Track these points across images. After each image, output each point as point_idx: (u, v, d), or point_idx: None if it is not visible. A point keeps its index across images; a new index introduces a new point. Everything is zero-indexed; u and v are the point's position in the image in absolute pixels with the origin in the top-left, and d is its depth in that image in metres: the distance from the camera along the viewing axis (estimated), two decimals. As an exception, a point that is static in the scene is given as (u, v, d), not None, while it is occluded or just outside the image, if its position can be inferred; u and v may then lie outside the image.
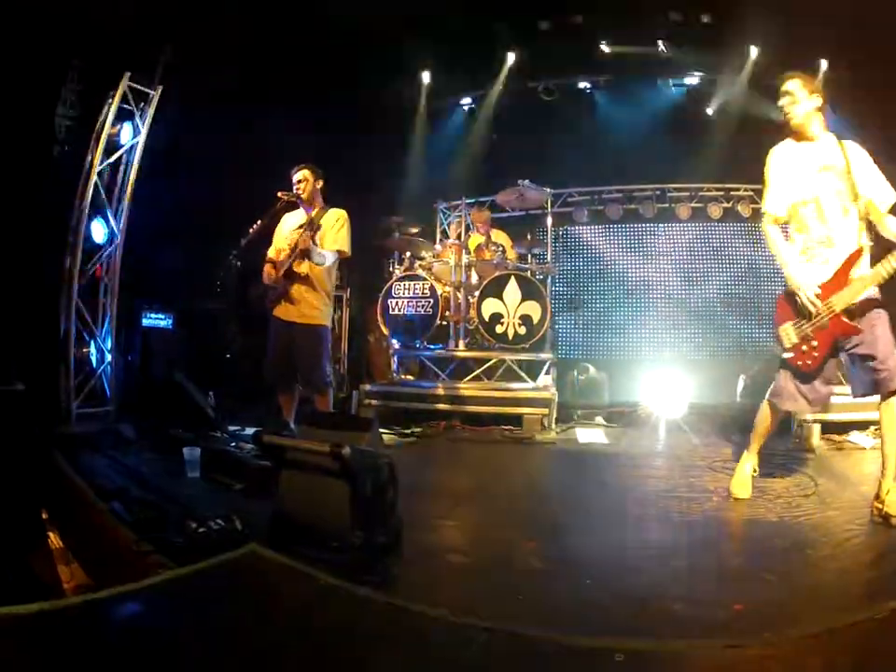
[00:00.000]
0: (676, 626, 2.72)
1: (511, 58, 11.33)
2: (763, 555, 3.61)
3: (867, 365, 4.18)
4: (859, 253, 4.20)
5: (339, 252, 6.01)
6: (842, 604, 2.84)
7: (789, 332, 4.43)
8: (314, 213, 6.06)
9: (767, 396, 4.74)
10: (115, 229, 7.29)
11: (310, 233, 5.83)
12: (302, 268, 5.90)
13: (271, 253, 6.15)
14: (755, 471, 4.91)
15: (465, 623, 2.51)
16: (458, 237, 9.68)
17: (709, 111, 11.28)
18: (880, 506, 4.08)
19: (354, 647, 2.41)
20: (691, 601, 2.94)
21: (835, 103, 10.27)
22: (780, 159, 4.56)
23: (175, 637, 2.38)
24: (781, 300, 4.57)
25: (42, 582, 3.29)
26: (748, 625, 2.67)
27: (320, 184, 6.12)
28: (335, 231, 5.99)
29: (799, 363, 4.41)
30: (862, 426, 6.91)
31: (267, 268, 6.09)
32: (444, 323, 9.03)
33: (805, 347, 4.35)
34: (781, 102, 4.46)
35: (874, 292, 4.24)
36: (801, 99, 4.38)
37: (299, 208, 6.16)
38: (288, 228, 6.11)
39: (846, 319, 4.17)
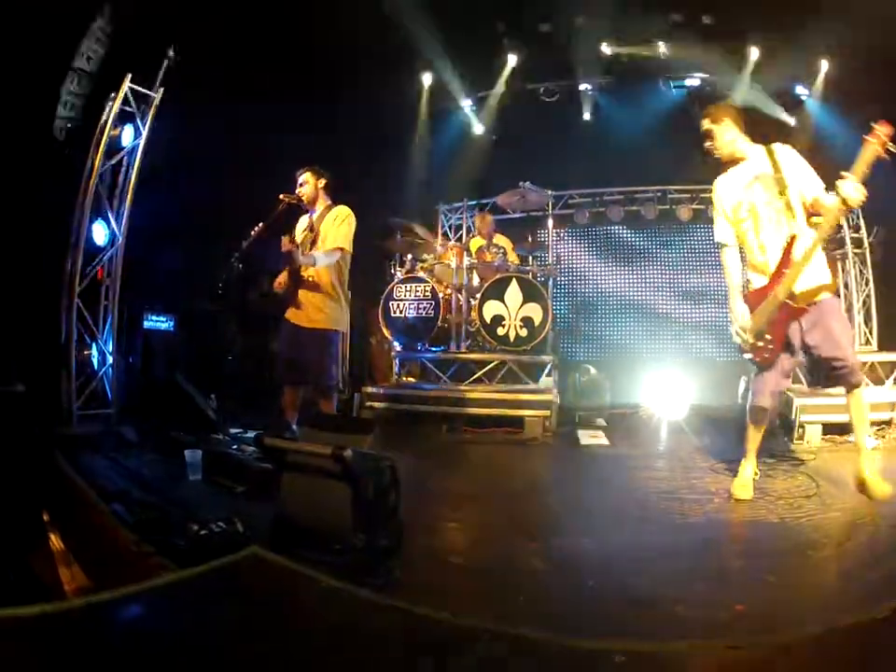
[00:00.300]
0: (677, 627, 2.72)
1: (512, 60, 11.33)
2: (764, 556, 3.60)
3: (828, 364, 4.49)
4: (793, 239, 4.45)
5: (338, 250, 5.91)
6: (843, 604, 2.84)
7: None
8: (316, 215, 6.07)
9: (748, 402, 4.89)
10: (116, 231, 7.29)
11: (315, 242, 5.85)
12: (309, 271, 5.90)
13: None
14: (756, 474, 5.01)
15: (467, 624, 2.51)
16: (459, 239, 9.69)
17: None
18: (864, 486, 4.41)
19: (356, 649, 2.40)
20: (692, 602, 2.93)
21: (836, 102, 10.35)
22: (719, 190, 5.03)
23: (177, 640, 2.38)
24: None
25: (43, 584, 3.29)
26: (749, 626, 2.68)
27: (322, 183, 6.09)
28: (335, 227, 5.94)
29: (758, 359, 4.70)
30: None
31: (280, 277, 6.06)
32: (446, 325, 9.04)
33: (760, 343, 4.64)
34: (706, 144, 4.91)
35: (826, 279, 4.52)
36: (717, 133, 4.81)
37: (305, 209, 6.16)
38: (298, 233, 6.11)
39: (791, 303, 4.46)
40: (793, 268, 4.41)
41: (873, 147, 4.12)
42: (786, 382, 4.82)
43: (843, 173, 4.17)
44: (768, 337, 4.59)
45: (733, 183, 4.87)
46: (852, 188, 4.13)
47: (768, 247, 4.59)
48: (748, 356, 4.75)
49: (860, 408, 4.52)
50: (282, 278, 5.97)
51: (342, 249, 5.90)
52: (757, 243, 4.68)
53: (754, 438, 4.95)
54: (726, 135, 4.80)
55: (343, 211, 6.01)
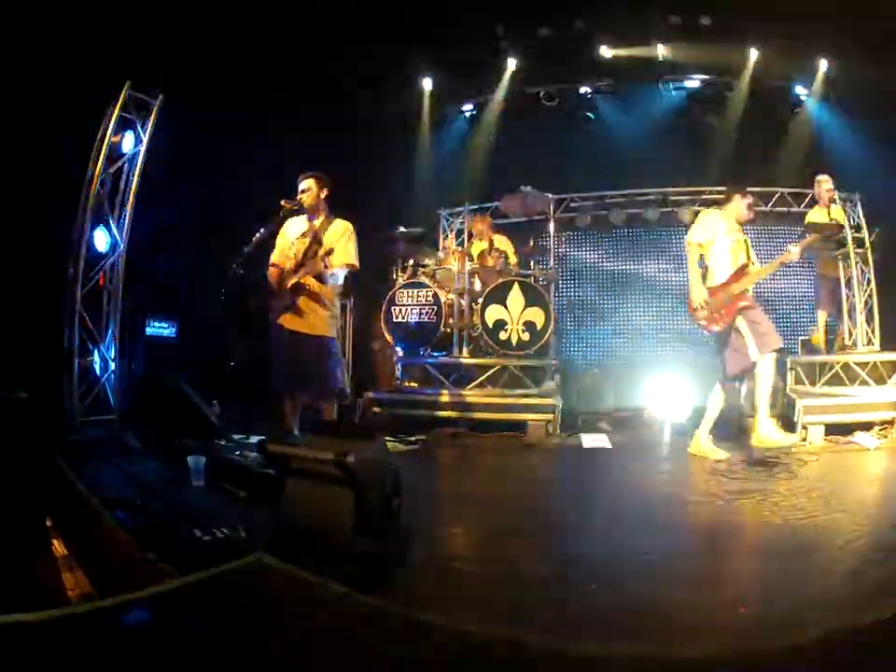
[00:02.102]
0: (680, 630, 2.72)
1: (511, 64, 11.33)
2: (767, 558, 3.60)
3: None
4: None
5: (348, 266, 5.98)
6: (847, 605, 2.83)
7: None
8: (317, 223, 6.05)
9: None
10: (117, 237, 7.30)
11: (318, 252, 5.85)
12: (310, 281, 5.91)
13: (275, 258, 6.12)
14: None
15: (470, 630, 2.51)
16: (460, 244, 9.69)
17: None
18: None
19: (359, 655, 2.40)
20: (695, 604, 2.93)
21: (836, 102, 10.35)
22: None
23: (181, 646, 2.37)
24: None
25: (46, 590, 3.29)
26: (752, 628, 2.67)
27: (325, 193, 6.07)
28: (343, 244, 5.95)
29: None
30: (866, 426, 6.92)
31: (272, 271, 6.08)
32: (448, 330, 9.03)
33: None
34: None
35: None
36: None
37: (302, 215, 6.14)
38: (292, 235, 6.09)
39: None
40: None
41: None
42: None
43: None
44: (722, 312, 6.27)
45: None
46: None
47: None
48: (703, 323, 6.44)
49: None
50: (275, 272, 6.05)
51: (352, 265, 6.00)
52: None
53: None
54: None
55: (349, 227, 6.03)
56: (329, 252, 5.81)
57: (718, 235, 6.37)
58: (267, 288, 6.11)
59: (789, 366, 8.01)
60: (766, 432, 6.04)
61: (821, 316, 9.09)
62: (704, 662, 2.37)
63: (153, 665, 2.21)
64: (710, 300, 6.31)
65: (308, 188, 5.99)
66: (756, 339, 6.09)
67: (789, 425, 7.10)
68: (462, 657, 2.39)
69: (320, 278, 5.84)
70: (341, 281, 6.02)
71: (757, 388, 6.17)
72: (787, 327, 10.66)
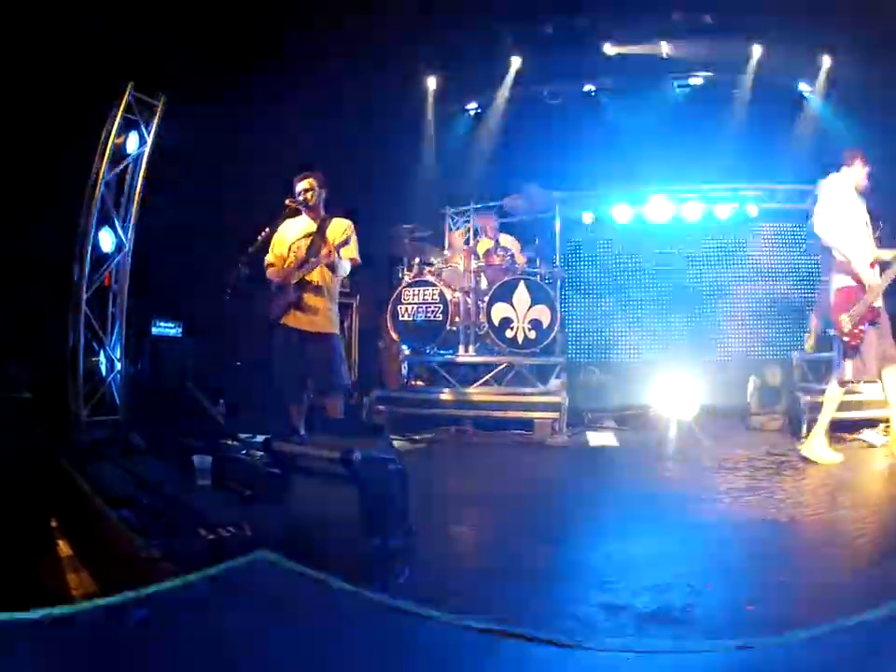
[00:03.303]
0: (686, 626, 2.71)
1: (516, 62, 11.31)
2: (773, 555, 3.59)
3: None
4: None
5: (354, 261, 6.09)
6: (854, 602, 2.82)
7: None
8: (319, 221, 6.09)
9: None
10: (123, 238, 7.30)
11: (322, 248, 5.88)
12: (314, 277, 5.93)
13: (270, 258, 6.16)
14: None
15: (475, 627, 2.50)
16: (466, 242, 9.68)
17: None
18: None
19: (363, 652, 2.40)
20: (701, 601, 2.92)
21: (839, 99, 10.32)
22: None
23: (185, 644, 2.38)
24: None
25: (50, 590, 3.29)
26: (758, 625, 2.66)
27: (324, 193, 6.14)
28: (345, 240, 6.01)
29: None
30: (873, 424, 6.89)
31: (270, 270, 6.12)
32: (454, 328, 9.02)
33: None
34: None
35: None
36: None
37: (300, 215, 6.16)
38: (292, 235, 6.12)
39: None
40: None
41: None
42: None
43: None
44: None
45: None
46: None
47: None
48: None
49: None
50: (274, 272, 6.10)
51: (355, 260, 6.11)
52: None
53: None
54: None
55: (350, 224, 6.13)
56: (339, 244, 5.85)
57: (852, 211, 5.87)
58: (269, 292, 6.14)
59: (794, 363, 8.00)
60: (817, 451, 5.84)
61: (814, 322, 8.91)
62: (709, 659, 2.37)
63: (157, 663, 2.21)
64: (857, 307, 5.63)
65: (311, 186, 6.05)
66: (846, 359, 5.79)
67: (795, 422, 7.09)
68: (467, 653, 2.39)
69: (333, 268, 5.95)
70: (347, 273, 6.14)
71: (823, 407, 5.97)
72: (794, 325, 10.62)
